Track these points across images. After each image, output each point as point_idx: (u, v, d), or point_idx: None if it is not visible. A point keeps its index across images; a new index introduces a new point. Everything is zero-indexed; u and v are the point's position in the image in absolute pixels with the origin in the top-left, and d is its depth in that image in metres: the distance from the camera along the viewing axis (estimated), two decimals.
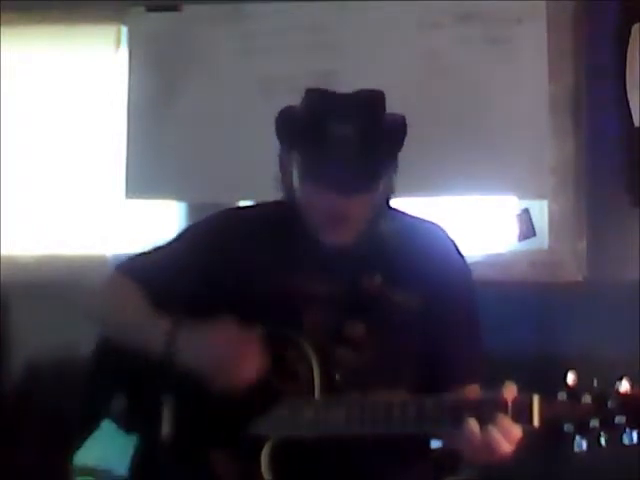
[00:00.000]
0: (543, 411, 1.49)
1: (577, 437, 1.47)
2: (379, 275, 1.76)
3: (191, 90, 3.12)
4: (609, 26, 2.87)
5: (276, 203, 1.87)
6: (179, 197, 3.16)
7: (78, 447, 1.80)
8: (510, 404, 1.51)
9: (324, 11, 3.05)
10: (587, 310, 2.76)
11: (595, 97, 2.89)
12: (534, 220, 2.95)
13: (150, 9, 3.16)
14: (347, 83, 1.82)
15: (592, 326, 2.72)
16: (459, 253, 1.86)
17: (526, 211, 2.96)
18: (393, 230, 1.81)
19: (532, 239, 2.95)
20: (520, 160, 2.89)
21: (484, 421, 1.51)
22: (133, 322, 1.79)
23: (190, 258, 1.84)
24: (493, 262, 2.92)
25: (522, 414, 1.50)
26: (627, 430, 1.44)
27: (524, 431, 1.51)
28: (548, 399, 1.49)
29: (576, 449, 1.47)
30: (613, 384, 1.47)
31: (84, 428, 1.81)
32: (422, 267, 1.77)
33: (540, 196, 2.93)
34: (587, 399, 1.47)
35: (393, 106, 1.78)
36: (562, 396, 1.48)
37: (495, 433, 1.50)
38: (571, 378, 1.49)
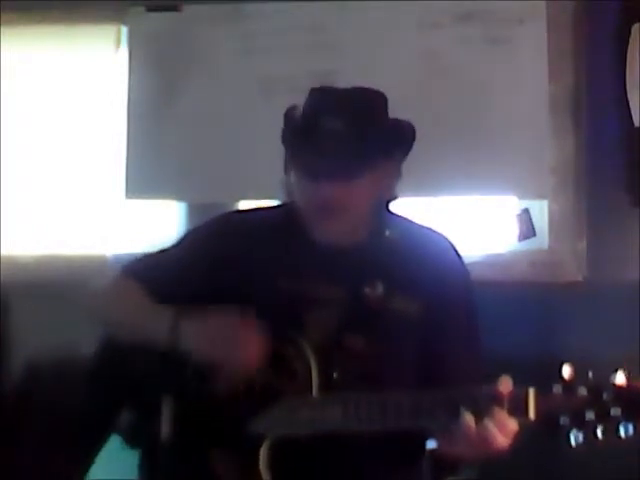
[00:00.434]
0: (539, 404, 1.49)
1: (573, 430, 1.47)
2: (380, 282, 1.76)
3: (191, 90, 3.12)
4: (609, 26, 2.87)
5: (278, 206, 1.88)
6: (179, 197, 3.16)
7: (91, 463, 1.80)
8: (506, 397, 1.51)
9: (324, 11, 3.05)
10: (587, 310, 2.76)
11: (595, 97, 2.89)
12: (534, 220, 2.95)
13: (150, 9, 3.16)
14: (347, 83, 1.83)
15: (592, 326, 2.72)
16: (459, 259, 1.86)
17: (526, 211, 2.96)
18: (394, 236, 1.81)
19: (532, 239, 2.95)
20: (520, 160, 2.89)
21: (480, 415, 1.51)
22: (136, 316, 1.80)
23: (192, 261, 1.85)
24: (493, 262, 2.92)
25: (518, 407, 1.50)
26: (623, 422, 1.44)
27: (520, 424, 1.52)
28: (543, 392, 1.49)
29: (572, 442, 1.47)
30: (609, 376, 1.47)
31: (90, 441, 1.82)
32: (423, 274, 1.77)
33: (540, 196, 2.93)
34: (583, 391, 1.47)
35: (393, 106, 1.79)
36: (557, 389, 1.48)
37: (491, 427, 1.51)
38: (567, 371, 1.49)
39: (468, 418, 1.52)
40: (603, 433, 1.45)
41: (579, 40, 2.92)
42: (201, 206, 3.02)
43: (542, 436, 1.50)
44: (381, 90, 1.81)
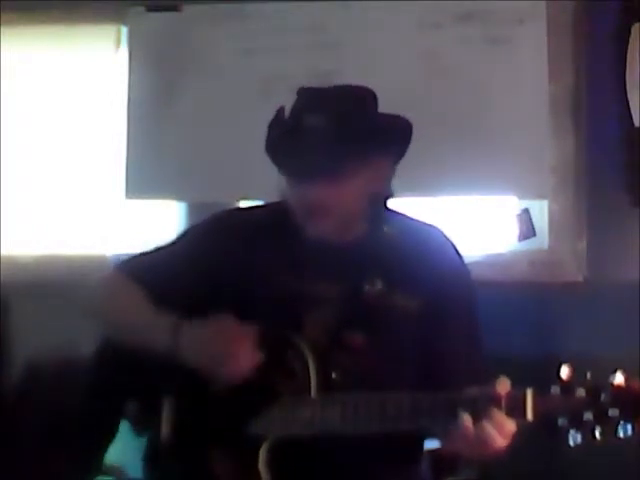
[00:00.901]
0: (537, 405, 1.49)
1: (571, 431, 1.47)
2: (379, 278, 1.76)
3: (191, 90, 3.12)
4: (609, 26, 2.87)
5: (276, 204, 1.88)
6: (179, 197, 3.16)
7: (105, 450, 1.80)
8: (504, 399, 1.51)
9: (324, 11, 3.05)
10: (587, 310, 2.76)
11: (595, 97, 2.89)
12: (534, 220, 2.95)
13: (150, 9, 3.16)
14: (347, 83, 1.82)
15: (592, 326, 2.72)
16: (458, 255, 1.86)
17: (526, 211, 2.96)
18: (392, 232, 1.81)
19: (532, 239, 2.95)
20: (520, 160, 2.89)
21: (478, 416, 1.51)
22: (136, 320, 1.80)
23: (190, 259, 1.84)
24: (493, 262, 2.92)
25: (516, 408, 1.50)
26: (621, 423, 1.44)
27: (518, 425, 1.52)
28: (542, 393, 1.49)
29: (571, 443, 1.47)
30: (607, 377, 1.47)
31: (105, 431, 1.82)
32: (422, 270, 1.77)
33: (540, 196, 2.93)
34: (581, 392, 1.47)
35: (393, 106, 1.79)
36: (555, 390, 1.48)
37: (489, 428, 1.51)
38: (565, 372, 1.49)
39: (466, 419, 1.51)
40: (601, 434, 1.45)
41: (579, 40, 2.92)
42: (201, 206, 3.02)
43: (540, 437, 1.50)
44: (376, 91, 1.80)
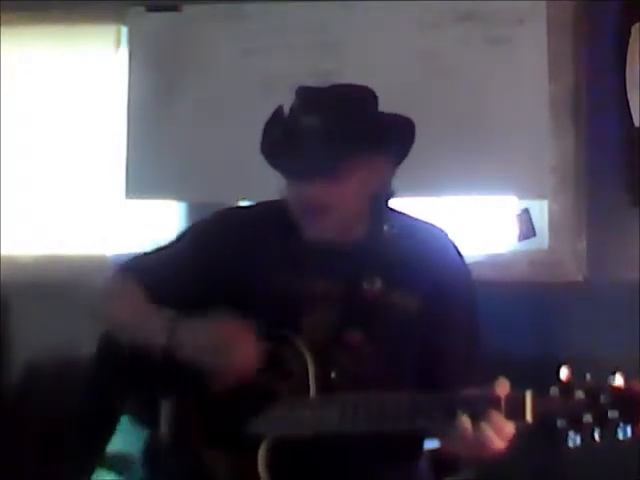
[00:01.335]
0: (536, 407, 1.48)
1: (570, 432, 1.46)
2: (379, 277, 1.76)
3: (191, 90, 3.12)
4: (609, 26, 2.87)
5: (276, 202, 1.88)
6: (179, 197, 3.16)
7: (106, 444, 1.80)
8: (503, 400, 1.50)
9: (324, 11, 3.05)
10: (587, 310, 2.76)
11: (595, 97, 2.89)
12: (534, 220, 2.95)
13: (150, 9, 3.16)
14: (346, 83, 1.82)
15: (592, 326, 2.72)
16: (459, 254, 1.86)
17: (526, 211, 2.96)
18: (393, 231, 1.80)
19: (532, 239, 2.95)
20: (520, 160, 2.89)
21: (477, 418, 1.51)
22: (134, 317, 1.79)
23: (190, 258, 1.84)
24: (493, 262, 2.92)
25: (515, 410, 1.49)
26: (621, 424, 1.44)
27: (517, 427, 1.51)
28: (541, 395, 1.49)
29: (570, 444, 1.47)
30: (606, 379, 1.47)
31: (105, 426, 1.81)
32: (422, 269, 1.76)
33: (540, 196, 2.93)
34: (580, 394, 1.46)
35: (393, 106, 1.78)
36: (555, 391, 1.48)
37: (488, 430, 1.50)
38: (564, 373, 1.49)
39: (465, 421, 1.51)
40: (601, 436, 1.45)
41: (579, 40, 2.92)
42: (201, 206, 3.02)
43: (539, 438, 1.50)
44: (377, 90, 1.80)
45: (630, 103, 2.82)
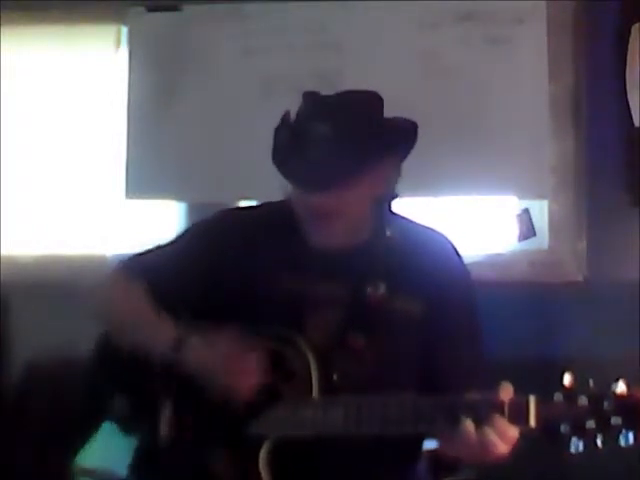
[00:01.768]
0: (539, 412, 1.48)
1: (573, 438, 1.46)
2: (382, 281, 1.76)
3: (191, 90, 3.12)
4: (609, 26, 2.87)
5: (278, 203, 1.88)
6: (179, 197, 3.16)
7: (80, 448, 1.80)
8: (506, 405, 1.51)
9: (324, 11, 3.05)
10: (587, 310, 2.76)
11: (595, 97, 2.89)
12: (534, 220, 2.95)
13: (150, 9, 3.16)
14: (347, 83, 1.83)
15: (592, 326, 2.72)
16: (460, 259, 1.86)
17: (526, 211, 2.96)
18: (395, 236, 1.80)
19: (532, 239, 2.95)
20: (520, 160, 2.89)
21: (480, 422, 1.51)
22: (138, 323, 1.79)
23: (191, 258, 1.84)
24: (493, 262, 2.92)
25: (518, 415, 1.49)
26: (623, 431, 1.44)
27: (520, 432, 1.51)
28: (544, 400, 1.49)
29: (572, 450, 1.47)
30: (609, 385, 1.47)
31: (85, 429, 1.81)
32: (424, 274, 1.76)
33: (540, 196, 2.93)
34: (583, 400, 1.46)
35: (393, 106, 1.79)
36: (558, 397, 1.48)
37: (491, 434, 1.50)
38: (567, 379, 1.49)
39: (468, 425, 1.51)
40: (603, 442, 1.45)
41: (579, 40, 2.92)
42: (201, 206, 3.02)
43: (543, 443, 1.50)
44: (376, 90, 1.80)
45: (630, 103, 2.82)
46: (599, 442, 1.45)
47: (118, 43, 3.26)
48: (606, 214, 2.85)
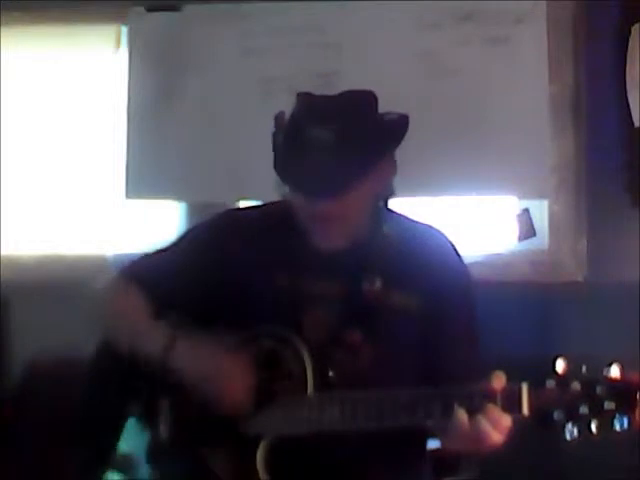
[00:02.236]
0: (532, 399, 1.48)
1: (567, 424, 1.46)
2: (379, 279, 1.76)
3: (191, 90, 3.12)
4: (609, 26, 2.88)
5: (277, 203, 1.88)
6: (179, 197, 3.16)
7: (115, 444, 1.80)
8: (499, 393, 1.51)
9: (324, 11, 3.05)
10: (587, 310, 2.76)
11: (595, 97, 2.89)
12: (534, 220, 2.95)
13: (150, 9, 3.16)
14: (347, 83, 1.82)
15: (592, 326, 2.72)
16: (458, 256, 1.86)
17: (526, 211, 2.96)
18: (392, 233, 1.80)
19: (532, 239, 2.95)
20: (520, 160, 2.89)
21: (473, 411, 1.51)
22: (133, 328, 1.79)
23: (191, 260, 1.84)
24: (493, 262, 2.92)
25: (511, 403, 1.49)
26: (617, 415, 1.43)
27: (514, 420, 1.51)
28: (537, 387, 1.49)
29: (567, 436, 1.46)
30: (602, 370, 1.47)
31: (111, 427, 1.81)
32: (421, 270, 1.76)
33: (541, 196, 2.93)
34: (576, 386, 1.46)
35: (393, 106, 1.78)
36: (551, 384, 1.48)
37: (484, 423, 1.50)
38: (560, 365, 1.49)
39: (461, 414, 1.51)
40: (597, 427, 1.44)
41: (579, 40, 2.92)
42: (201, 206, 3.02)
43: (537, 430, 1.50)
44: (376, 90, 1.79)
45: (630, 103, 2.83)
46: (593, 427, 1.45)
47: (118, 43, 3.26)
48: (606, 214, 2.85)
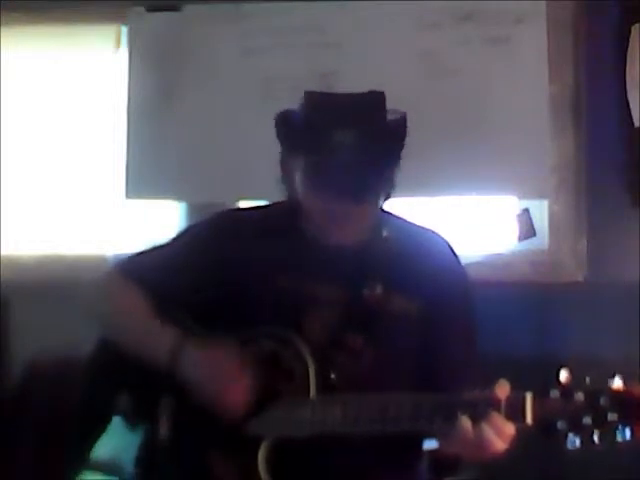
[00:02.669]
0: (536, 409, 1.49)
1: (570, 435, 1.47)
2: (379, 282, 1.76)
3: (191, 90, 3.12)
4: (609, 26, 2.87)
5: (277, 204, 1.88)
6: (179, 197, 3.16)
7: (94, 443, 1.80)
8: (503, 402, 1.51)
9: (324, 11, 3.05)
10: (587, 310, 2.76)
11: (595, 97, 2.89)
12: (534, 220, 2.95)
13: (150, 9, 3.16)
14: (347, 83, 1.83)
15: (592, 326, 2.72)
16: (456, 258, 1.86)
17: (526, 211, 2.96)
18: (391, 236, 1.81)
19: (532, 239, 2.95)
20: (520, 160, 2.89)
21: (477, 419, 1.51)
22: (134, 327, 1.79)
23: (189, 258, 1.84)
24: (493, 262, 2.92)
25: (515, 412, 1.50)
26: (620, 426, 1.44)
27: (517, 429, 1.52)
28: (541, 397, 1.49)
29: (569, 446, 1.47)
30: (606, 381, 1.47)
31: (96, 425, 1.81)
32: (420, 274, 1.77)
33: (541, 196, 2.93)
34: (580, 396, 1.47)
35: (393, 106, 1.78)
36: (555, 394, 1.49)
37: (488, 431, 1.51)
38: (564, 376, 1.49)
39: (465, 422, 1.52)
40: (600, 438, 1.46)
41: (579, 40, 2.92)
42: (201, 206, 3.02)
43: (540, 440, 1.50)
44: (381, 89, 1.80)
45: (630, 103, 2.83)
46: (596, 438, 1.46)
47: (118, 43, 3.26)
48: (606, 214, 2.85)
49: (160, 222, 3.18)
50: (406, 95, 1.76)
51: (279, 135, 1.79)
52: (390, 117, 1.77)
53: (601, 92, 2.88)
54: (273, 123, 1.79)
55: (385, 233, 1.81)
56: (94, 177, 3.28)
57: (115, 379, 1.82)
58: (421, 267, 1.77)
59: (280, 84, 2.98)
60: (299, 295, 1.76)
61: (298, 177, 1.77)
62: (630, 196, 2.83)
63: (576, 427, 1.46)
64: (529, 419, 1.49)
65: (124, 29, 3.23)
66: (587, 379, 1.48)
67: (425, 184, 2.85)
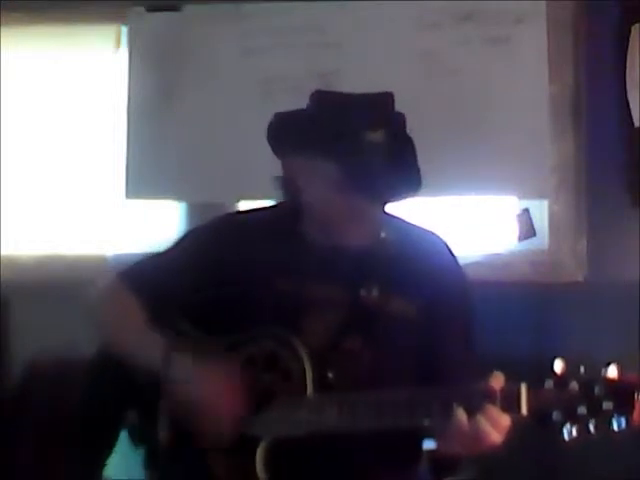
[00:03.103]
0: (531, 400, 1.49)
1: (566, 425, 1.47)
2: (377, 283, 1.76)
3: (191, 90, 3.12)
4: (609, 26, 2.88)
5: (274, 206, 1.88)
6: (179, 197, 3.16)
7: (105, 460, 1.80)
8: (498, 393, 1.51)
9: (324, 11, 3.05)
10: (587, 310, 2.76)
11: (595, 97, 2.89)
12: (534, 220, 2.95)
13: (150, 9, 3.16)
14: (347, 83, 1.82)
15: (592, 326, 2.72)
16: (455, 260, 1.86)
17: (526, 211, 2.96)
18: (389, 237, 1.81)
19: (532, 239, 2.95)
20: (520, 160, 2.89)
21: (472, 411, 1.52)
22: (128, 338, 1.78)
23: (189, 260, 1.84)
24: (493, 262, 2.92)
25: (510, 403, 1.50)
26: (615, 416, 1.45)
27: (513, 420, 1.52)
28: (535, 387, 1.50)
29: (565, 436, 1.48)
30: (600, 370, 1.48)
31: (103, 443, 1.81)
32: (419, 276, 1.77)
33: (541, 196, 2.93)
34: (574, 386, 1.47)
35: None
36: (549, 384, 1.49)
37: (483, 423, 1.51)
38: (558, 366, 1.49)
39: (461, 415, 1.52)
40: (595, 427, 1.46)
41: (579, 40, 2.92)
42: (201, 206, 3.03)
43: (535, 431, 1.51)
44: (376, 91, 1.80)
45: (630, 103, 2.83)
46: (591, 427, 1.46)
47: (118, 43, 3.26)
48: (606, 214, 2.85)
49: (160, 222, 3.18)
50: (406, 95, 1.76)
51: (286, 138, 1.79)
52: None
53: (601, 92, 2.88)
54: (273, 125, 1.79)
55: (383, 234, 1.81)
56: (94, 177, 3.28)
57: (117, 392, 1.82)
58: (420, 268, 1.77)
59: (280, 84, 2.98)
60: (299, 297, 1.76)
61: (317, 179, 1.75)
62: (630, 196, 2.83)
63: (571, 417, 1.46)
64: (524, 410, 1.50)
65: (124, 29, 3.23)
66: (581, 369, 1.49)
67: (425, 184, 2.84)
